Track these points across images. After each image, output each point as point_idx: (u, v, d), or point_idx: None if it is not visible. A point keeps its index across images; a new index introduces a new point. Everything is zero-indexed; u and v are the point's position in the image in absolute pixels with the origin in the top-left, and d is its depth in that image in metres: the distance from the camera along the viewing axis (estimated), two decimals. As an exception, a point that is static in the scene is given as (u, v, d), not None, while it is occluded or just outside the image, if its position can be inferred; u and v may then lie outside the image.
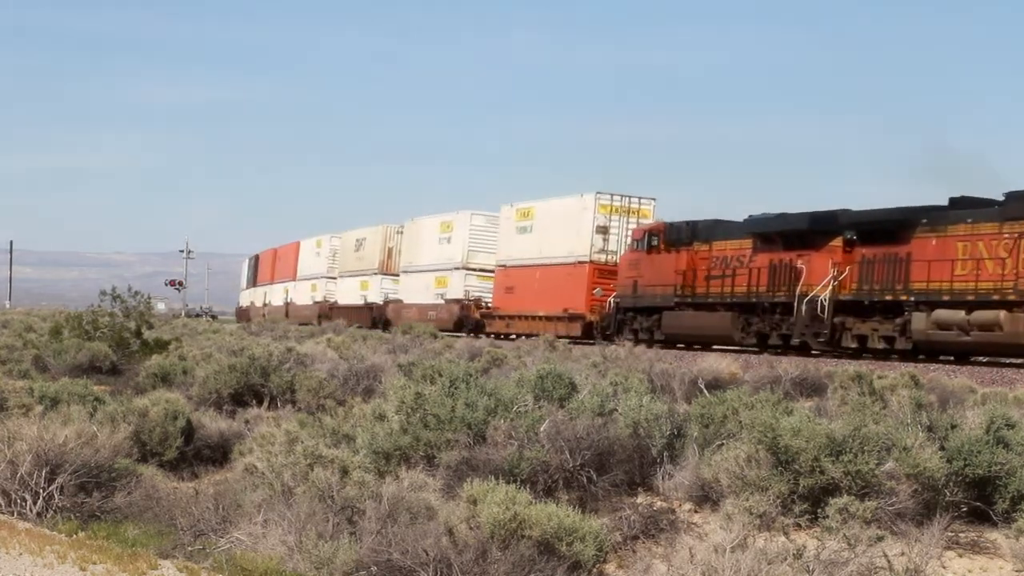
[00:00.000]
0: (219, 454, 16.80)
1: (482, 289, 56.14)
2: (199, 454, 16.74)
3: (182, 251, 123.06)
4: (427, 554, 9.42)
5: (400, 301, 62.61)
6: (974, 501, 11.67)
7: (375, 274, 67.43)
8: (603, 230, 47.20)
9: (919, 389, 17.85)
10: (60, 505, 12.83)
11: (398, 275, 64.83)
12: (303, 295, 79.89)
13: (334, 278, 75.33)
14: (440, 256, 59.25)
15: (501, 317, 53.02)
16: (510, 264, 53.21)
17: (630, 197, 48.16)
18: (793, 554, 8.77)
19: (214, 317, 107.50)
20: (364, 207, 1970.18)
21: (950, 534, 11.06)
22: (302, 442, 11.94)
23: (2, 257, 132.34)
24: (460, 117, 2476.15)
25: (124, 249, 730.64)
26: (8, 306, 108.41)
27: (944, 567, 10.65)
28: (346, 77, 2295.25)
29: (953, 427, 12.58)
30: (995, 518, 11.53)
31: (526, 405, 13.91)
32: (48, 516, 12.63)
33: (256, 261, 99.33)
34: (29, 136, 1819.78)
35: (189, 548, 11.02)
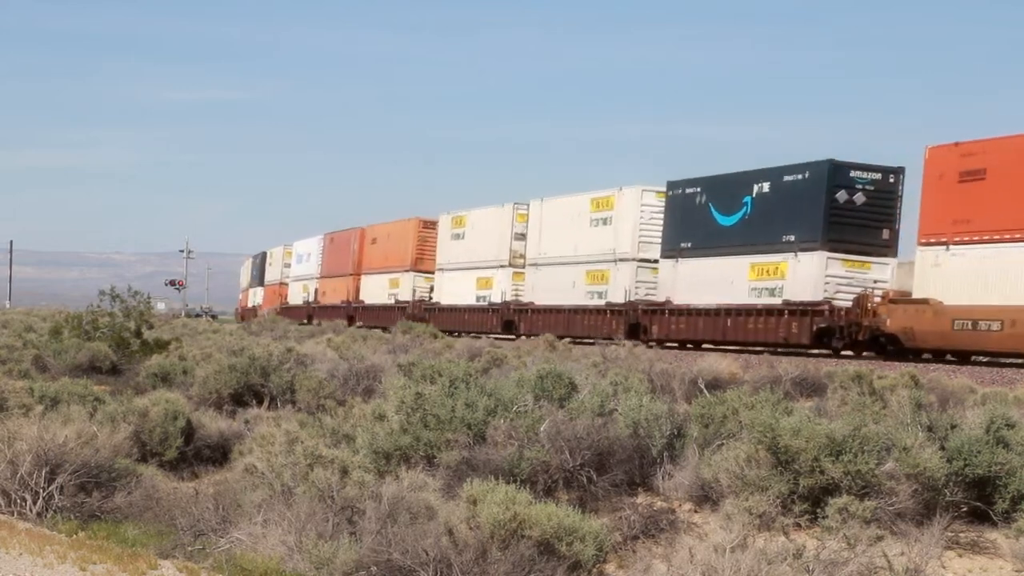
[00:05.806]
0: (219, 454, 16.81)
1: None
2: (199, 454, 16.75)
3: (182, 251, 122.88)
4: (427, 554, 9.42)
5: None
6: (974, 501, 11.68)
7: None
8: None
9: (919, 389, 17.84)
10: (60, 505, 12.84)
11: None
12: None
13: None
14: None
15: None
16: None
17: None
18: (793, 554, 8.77)
19: (214, 317, 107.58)
20: (366, 206, 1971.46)
21: (950, 534, 11.07)
22: (302, 442, 11.93)
23: (2, 257, 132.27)
24: (463, 115, 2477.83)
25: (124, 249, 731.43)
26: (8, 306, 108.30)
27: (944, 567, 10.65)
28: (346, 76, 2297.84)
29: (953, 427, 12.58)
30: (995, 518, 11.54)
31: (526, 405, 13.91)
32: (48, 516, 12.63)
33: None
34: (29, 135, 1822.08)
35: (189, 548, 11.03)
